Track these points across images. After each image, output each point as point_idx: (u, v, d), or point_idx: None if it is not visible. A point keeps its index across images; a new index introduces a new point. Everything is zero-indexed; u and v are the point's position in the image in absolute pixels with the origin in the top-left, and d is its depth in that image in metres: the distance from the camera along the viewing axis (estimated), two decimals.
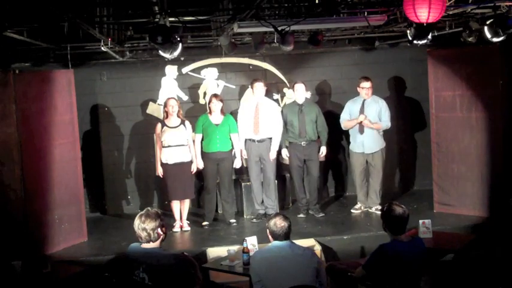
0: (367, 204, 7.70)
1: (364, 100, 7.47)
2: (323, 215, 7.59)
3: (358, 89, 7.52)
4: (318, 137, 7.51)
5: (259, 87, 7.39)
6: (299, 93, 7.42)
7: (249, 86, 8.27)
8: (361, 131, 7.46)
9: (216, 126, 7.25)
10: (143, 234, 4.00)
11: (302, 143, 7.40)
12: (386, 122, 7.48)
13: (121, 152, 8.34)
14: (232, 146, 7.38)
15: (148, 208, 4.12)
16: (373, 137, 7.47)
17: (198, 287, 4.16)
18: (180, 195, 7.19)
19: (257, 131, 7.35)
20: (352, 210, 7.71)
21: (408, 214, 4.39)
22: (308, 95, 8.11)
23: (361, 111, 7.44)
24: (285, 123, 7.46)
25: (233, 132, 7.34)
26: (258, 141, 7.37)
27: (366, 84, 7.42)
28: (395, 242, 4.35)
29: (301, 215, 7.61)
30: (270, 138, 7.41)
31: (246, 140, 7.47)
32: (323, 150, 7.51)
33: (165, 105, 7.18)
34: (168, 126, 7.08)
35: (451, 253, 5.53)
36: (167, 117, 7.13)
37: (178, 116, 7.13)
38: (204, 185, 7.48)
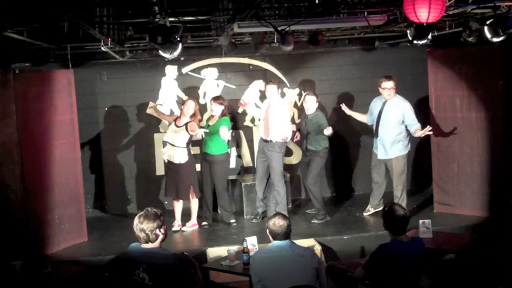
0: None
1: (386, 101, 7.11)
2: (320, 222, 7.37)
3: (379, 89, 7.13)
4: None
5: (269, 90, 7.31)
6: (308, 104, 7.32)
7: (249, 86, 8.34)
8: (376, 133, 7.20)
9: (208, 127, 7.23)
10: (142, 235, 4.01)
11: (305, 148, 7.44)
12: (413, 126, 6.94)
13: (121, 152, 8.34)
14: (226, 149, 7.27)
15: (148, 208, 4.12)
16: (387, 142, 7.09)
17: (198, 286, 4.16)
18: (171, 193, 7.18)
19: (267, 134, 7.29)
20: (364, 213, 7.55)
21: (409, 215, 4.42)
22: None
23: (380, 112, 7.12)
24: None
25: (223, 135, 7.06)
26: (265, 141, 7.33)
27: (388, 85, 7.01)
28: (396, 242, 4.36)
29: (309, 211, 7.75)
30: (277, 141, 7.24)
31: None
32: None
33: (183, 104, 7.17)
34: (175, 124, 7.08)
35: (451, 253, 5.53)
36: (181, 116, 7.10)
37: (190, 117, 7.01)
38: (202, 185, 7.46)
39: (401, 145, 7.10)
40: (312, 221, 7.36)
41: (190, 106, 7.03)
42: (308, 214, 7.69)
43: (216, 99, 7.29)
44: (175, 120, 7.14)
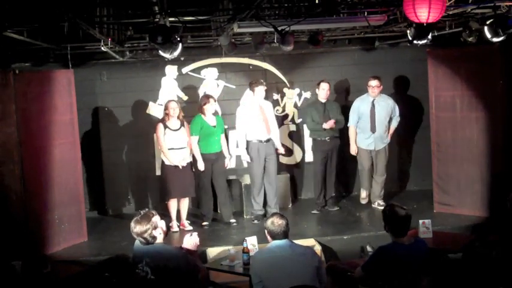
0: (371, 198, 7.98)
1: (374, 99, 7.65)
2: (338, 208, 7.88)
3: (367, 87, 7.70)
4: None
5: (260, 91, 7.41)
6: (325, 92, 7.60)
7: (248, 88, 8.32)
8: (373, 129, 7.65)
9: (214, 127, 7.26)
10: (139, 239, 4.13)
11: (326, 139, 7.60)
12: (396, 120, 7.83)
13: (121, 152, 8.34)
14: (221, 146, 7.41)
15: (141, 212, 4.20)
16: (381, 135, 7.71)
17: (201, 274, 4.28)
18: (179, 193, 7.19)
19: (269, 131, 7.44)
20: (361, 200, 7.98)
21: (410, 215, 4.38)
22: (308, 95, 8.38)
23: (372, 110, 7.62)
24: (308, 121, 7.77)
25: (222, 133, 7.43)
26: (266, 141, 7.42)
27: (373, 83, 7.61)
28: (396, 245, 4.32)
29: (315, 211, 7.77)
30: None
31: (250, 141, 7.42)
32: None
33: (166, 108, 7.13)
34: (170, 129, 7.06)
35: (451, 253, 5.52)
36: (168, 119, 7.11)
37: (178, 118, 7.12)
38: (201, 186, 7.46)
39: (388, 136, 7.81)
40: (332, 209, 7.83)
41: (175, 107, 7.07)
42: (322, 211, 7.76)
43: (211, 97, 7.35)
44: (165, 125, 7.07)
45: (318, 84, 7.67)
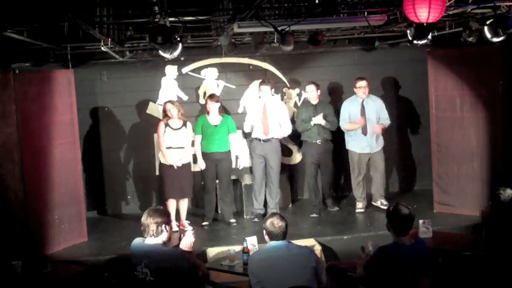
0: (373, 198, 7.84)
1: (363, 100, 7.56)
2: (338, 208, 7.85)
3: (355, 89, 7.61)
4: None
5: (266, 90, 7.43)
6: (310, 94, 7.58)
7: (249, 86, 8.34)
8: (365, 132, 7.54)
9: (215, 127, 7.26)
10: (148, 228, 4.10)
11: (317, 141, 7.52)
12: (387, 120, 7.65)
13: (121, 152, 8.34)
14: (229, 146, 7.40)
15: (160, 206, 4.34)
16: (376, 137, 7.57)
17: (202, 272, 4.30)
18: (177, 194, 7.19)
19: (267, 132, 7.40)
20: (356, 211, 7.72)
21: (414, 216, 4.38)
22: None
23: (362, 112, 7.52)
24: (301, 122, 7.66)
25: (232, 133, 7.37)
26: (264, 140, 7.41)
27: (362, 84, 7.52)
28: (397, 245, 4.31)
29: (314, 215, 7.65)
30: (276, 139, 7.50)
31: (253, 138, 7.51)
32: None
33: (164, 110, 7.17)
34: (170, 128, 7.08)
35: (451, 253, 5.52)
36: (168, 119, 7.11)
37: (179, 118, 7.12)
38: (203, 185, 7.48)
39: (382, 138, 7.66)
40: (332, 208, 7.80)
41: (171, 108, 7.07)
42: (313, 218, 7.62)
43: (212, 97, 7.35)
44: (166, 124, 7.08)
45: (306, 86, 7.68)
